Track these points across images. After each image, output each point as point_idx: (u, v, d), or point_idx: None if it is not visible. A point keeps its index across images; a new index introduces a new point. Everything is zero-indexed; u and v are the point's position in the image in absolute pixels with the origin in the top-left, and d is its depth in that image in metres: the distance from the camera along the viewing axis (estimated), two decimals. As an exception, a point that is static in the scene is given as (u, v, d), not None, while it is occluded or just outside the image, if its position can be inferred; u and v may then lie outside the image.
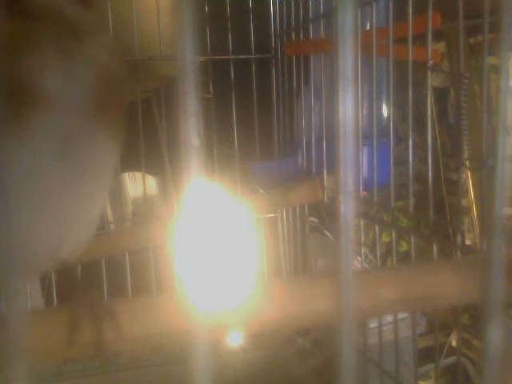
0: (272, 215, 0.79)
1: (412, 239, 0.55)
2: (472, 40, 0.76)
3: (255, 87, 0.76)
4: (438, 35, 0.78)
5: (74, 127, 0.32)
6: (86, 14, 0.33)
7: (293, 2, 0.74)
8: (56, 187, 0.32)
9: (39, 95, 0.30)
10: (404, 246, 0.85)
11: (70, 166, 0.32)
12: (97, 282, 0.68)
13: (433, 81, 0.81)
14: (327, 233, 0.79)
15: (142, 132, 0.70)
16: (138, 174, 1.16)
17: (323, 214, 0.79)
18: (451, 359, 0.74)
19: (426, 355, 0.70)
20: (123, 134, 0.36)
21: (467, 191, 0.81)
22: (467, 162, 0.49)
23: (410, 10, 0.51)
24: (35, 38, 0.31)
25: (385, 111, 0.67)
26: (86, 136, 0.33)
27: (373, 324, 0.64)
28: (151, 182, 1.18)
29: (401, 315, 0.63)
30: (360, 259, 0.67)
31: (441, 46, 0.81)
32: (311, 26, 0.70)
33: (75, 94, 0.32)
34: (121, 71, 0.35)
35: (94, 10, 0.34)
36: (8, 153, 0.29)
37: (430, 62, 0.50)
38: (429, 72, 0.50)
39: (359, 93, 0.61)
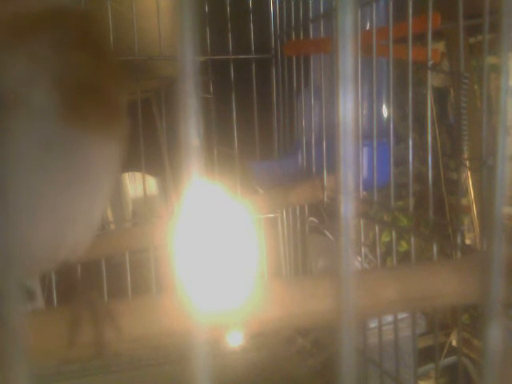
0: (272, 215, 0.79)
1: (412, 239, 0.55)
2: (472, 40, 0.76)
3: (255, 87, 0.76)
4: (437, 35, 0.78)
5: (52, 129, 0.30)
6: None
7: (293, 2, 0.74)
8: (49, 189, 0.32)
9: (7, 98, 0.29)
10: (404, 246, 0.85)
11: (61, 168, 0.31)
12: (97, 282, 0.68)
13: (433, 81, 0.81)
14: (327, 233, 0.79)
15: (142, 132, 0.70)
16: (138, 174, 1.16)
17: (323, 214, 0.79)
18: (451, 359, 0.74)
19: (426, 355, 0.70)
20: (122, 133, 0.35)
21: (467, 191, 0.81)
22: (467, 162, 0.49)
23: (410, 10, 0.51)
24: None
25: (385, 111, 0.67)
26: (69, 138, 0.31)
27: (373, 324, 0.64)
28: (151, 182, 1.18)
29: (401, 315, 0.63)
30: (360, 259, 0.67)
31: (441, 46, 0.81)
32: (311, 26, 0.70)
33: (44, 94, 0.30)
34: (102, 65, 0.33)
35: None
36: None
37: (430, 62, 0.50)
38: (429, 72, 0.50)
39: (359, 93, 0.61)
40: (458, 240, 0.50)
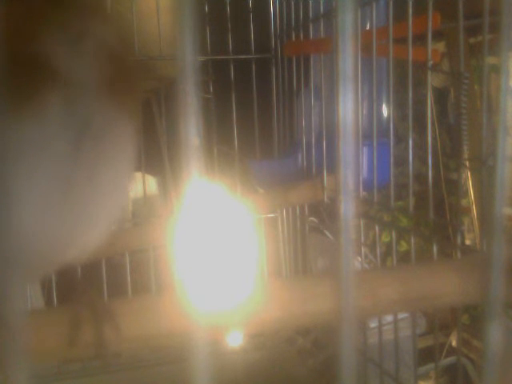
0: (272, 215, 0.79)
1: (412, 239, 0.55)
2: (472, 40, 0.76)
3: (255, 87, 0.76)
4: (438, 35, 0.78)
5: (90, 111, 0.30)
6: None
7: (293, 2, 0.74)
8: (71, 180, 0.30)
9: (50, 73, 0.29)
10: (404, 246, 0.85)
11: (87, 156, 0.30)
12: (97, 282, 0.68)
13: (433, 81, 0.81)
14: (327, 233, 0.79)
15: (142, 132, 0.70)
16: (138, 174, 1.16)
17: (323, 214, 0.79)
18: (451, 359, 0.74)
19: (426, 355, 0.70)
20: (139, 126, 0.35)
21: (467, 191, 0.81)
22: (467, 162, 0.49)
23: (410, 10, 0.51)
24: (45, 14, 0.29)
25: (385, 111, 0.67)
26: (103, 122, 0.31)
27: (373, 324, 0.64)
28: (151, 182, 1.18)
29: (401, 315, 0.63)
30: (360, 259, 0.67)
31: (441, 46, 0.81)
32: (311, 26, 0.70)
33: (88, 73, 0.30)
34: (129, 55, 0.34)
35: None
36: (14, 138, 0.28)
37: (430, 62, 0.50)
38: (429, 72, 0.50)
39: (359, 93, 0.61)
40: (458, 240, 0.50)
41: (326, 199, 0.67)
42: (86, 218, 0.32)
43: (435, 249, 0.51)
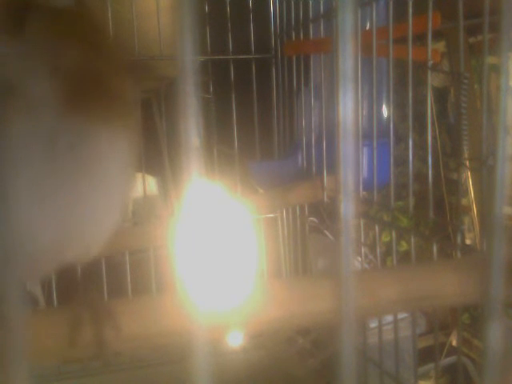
0: (272, 215, 0.79)
1: (412, 239, 0.55)
2: (472, 40, 0.76)
3: (255, 87, 0.76)
4: (438, 35, 0.78)
5: (55, 122, 0.30)
6: None
7: (293, 2, 0.74)
8: (54, 186, 0.30)
9: (12, 93, 0.28)
10: (404, 246, 0.85)
11: (66, 163, 0.30)
12: (97, 282, 0.68)
13: (433, 81, 0.81)
14: (327, 233, 0.79)
15: (142, 132, 0.70)
16: (138, 174, 1.16)
17: (323, 214, 0.79)
18: (451, 359, 0.74)
19: (426, 355, 0.70)
20: (132, 127, 0.34)
21: (467, 191, 0.81)
22: (467, 162, 0.49)
23: (410, 10, 0.51)
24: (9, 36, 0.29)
25: (385, 111, 0.67)
26: (73, 131, 0.30)
27: (373, 324, 0.64)
28: (151, 182, 1.18)
29: (401, 315, 0.63)
30: (360, 259, 0.67)
31: (441, 46, 0.81)
32: (311, 26, 0.70)
33: (44, 86, 0.29)
34: (102, 59, 0.32)
35: None
36: None
37: (430, 62, 0.50)
38: (429, 72, 0.50)
39: (359, 93, 0.61)
40: (458, 240, 0.50)
41: (326, 199, 0.67)
42: (79, 220, 0.32)
43: (435, 249, 0.51)
